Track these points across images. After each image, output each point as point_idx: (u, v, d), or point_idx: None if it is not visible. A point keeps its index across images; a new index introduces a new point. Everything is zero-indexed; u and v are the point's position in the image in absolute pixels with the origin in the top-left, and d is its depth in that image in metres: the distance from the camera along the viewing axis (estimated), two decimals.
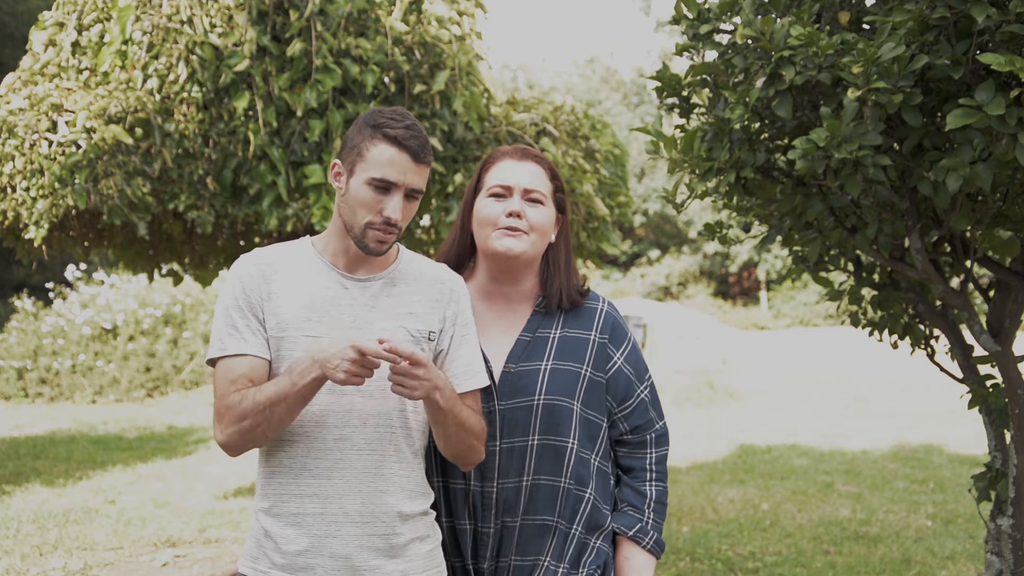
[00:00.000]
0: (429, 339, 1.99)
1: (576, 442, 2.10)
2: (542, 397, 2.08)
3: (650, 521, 2.17)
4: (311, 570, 1.91)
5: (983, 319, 2.69)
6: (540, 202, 2.13)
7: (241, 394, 1.87)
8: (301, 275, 1.96)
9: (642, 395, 2.20)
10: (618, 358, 2.18)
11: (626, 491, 2.19)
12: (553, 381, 2.09)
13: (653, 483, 2.19)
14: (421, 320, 1.99)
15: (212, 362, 1.95)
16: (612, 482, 2.20)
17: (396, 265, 2.02)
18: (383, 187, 1.89)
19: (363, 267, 1.99)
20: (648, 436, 2.20)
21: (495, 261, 2.14)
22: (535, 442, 2.07)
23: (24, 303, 14.42)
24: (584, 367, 2.14)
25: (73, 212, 4.14)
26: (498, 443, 2.07)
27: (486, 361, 2.11)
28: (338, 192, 1.95)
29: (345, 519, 1.92)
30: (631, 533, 2.14)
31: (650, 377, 2.25)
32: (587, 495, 2.12)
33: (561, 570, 2.08)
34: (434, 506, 2.11)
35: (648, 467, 2.20)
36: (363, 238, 1.91)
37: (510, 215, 2.10)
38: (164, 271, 5.98)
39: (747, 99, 2.23)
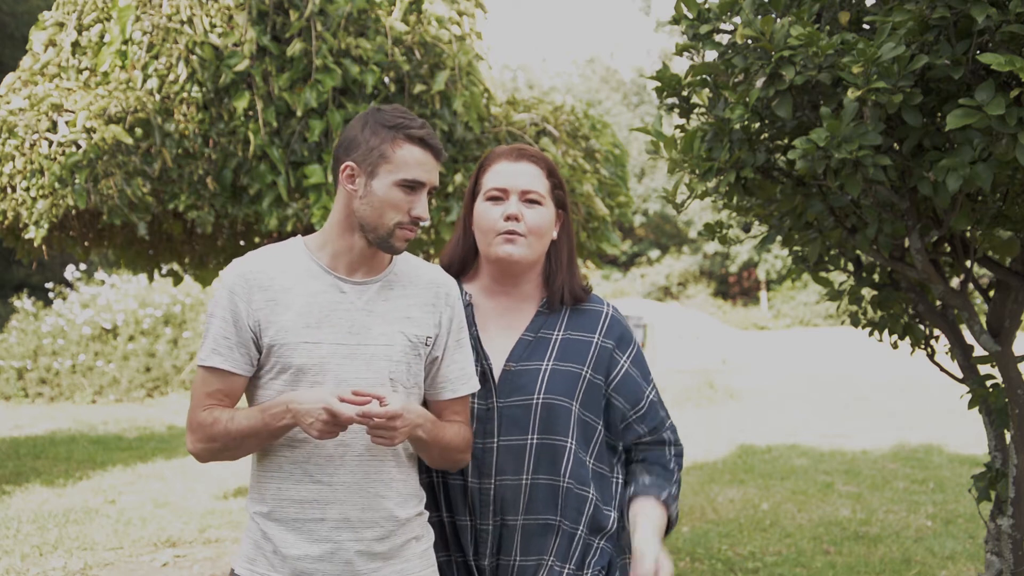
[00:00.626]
0: (426, 344, 1.99)
1: (574, 443, 2.11)
2: (541, 396, 2.08)
3: (674, 493, 2.15)
4: (311, 574, 1.91)
5: (983, 319, 2.69)
6: (538, 202, 2.13)
7: (213, 415, 1.89)
8: (296, 280, 1.94)
9: (651, 396, 2.21)
10: (625, 361, 2.19)
11: (654, 467, 2.16)
12: (553, 381, 2.10)
13: (676, 473, 2.20)
14: (418, 325, 1.99)
15: None
16: (612, 485, 2.20)
17: (392, 267, 2.02)
18: (412, 187, 1.90)
19: (362, 269, 1.98)
20: (664, 435, 2.21)
21: (496, 266, 2.15)
22: (534, 441, 2.08)
23: (24, 303, 14.42)
24: (585, 369, 2.14)
25: (73, 212, 4.14)
26: (496, 440, 2.08)
27: (487, 358, 2.11)
28: (352, 194, 1.93)
29: (346, 525, 1.92)
30: (663, 497, 2.12)
31: (653, 382, 2.26)
32: (590, 495, 2.12)
33: (567, 571, 2.09)
34: (434, 502, 2.12)
35: (670, 458, 2.20)
36: (389, 238, 1.92)
37: (508, 219, 2.10)
38: (164, 271, 5.98)
39: (747, 99, 2.23)
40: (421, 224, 1.94)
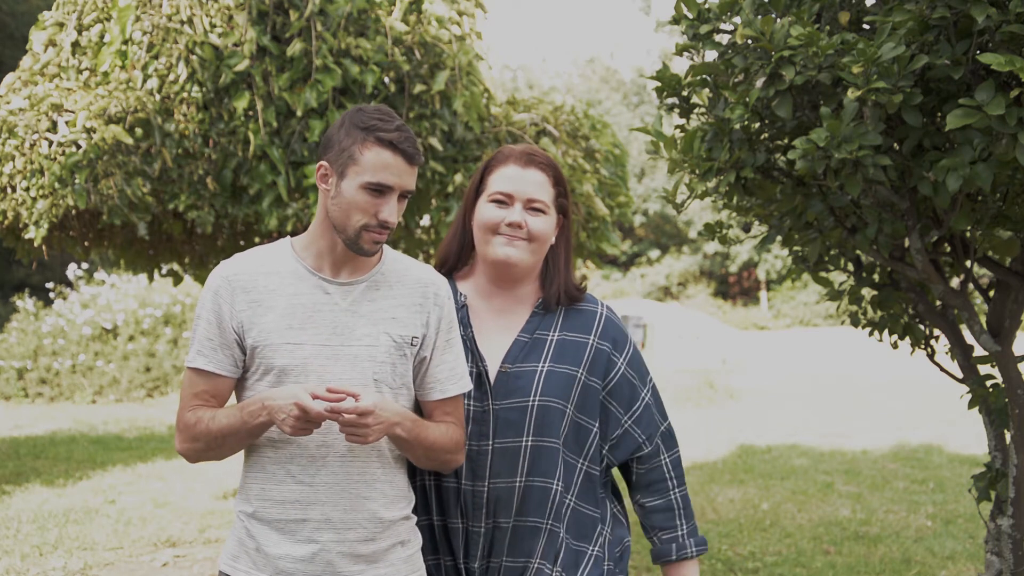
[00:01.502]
0: (412, 344, 1.98)
1: (563, 445, 2.11)
2: (537, 398, 2.08)
3: (685, 530, 2.21)
4: (292, 574, 1.91)
5: (983, 319, 2.69)
6: (542, 211, 2.12)
7: (197, 415, 1.91)
8: (281, 281, 1.94)
9: (646, 398, 2.21)
10: (621, 364, 2.19)
11: (654, 516, 2.22)
12: (548, 383, 2.09)
13: (676, 490, 2.23)
14: (404, 325, 1.97)
15: None
16: (599, 487, 2.20)
17: (380, 267, 2.00)
18: (379, 191, 1.88)
19: (347, 269, 1.97)
20: (657, 442, 2.21)
21: (494, 268, 2.14)
22: (528, 443, 2.07)
23: (24, 303, 14.43)
24: (580, 371, 2.13)
25: (73, 212, 4.14)
26: (491, 443, 2.07)
27: (482, 360, 2.10)
28: (325, 193, 1.93)
29: (327, 525, 1.92)
30: (675, 557, 2.20)
31: (651, 380, 2.26)
32: (569, 499, 2.12)
33: (555, 573, 2.08)
34: (426, 505, 2.11)
35: (667, 476, 2.23)
36: (357, 240, 1.90)
37: (510, 225, 2.09)
38: (164, 271, 5.98)
39: (747, 99, 2.23)
40: (389, 227, 1.91)
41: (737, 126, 2.32)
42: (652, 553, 2.24)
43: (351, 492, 1.93)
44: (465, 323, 2.13)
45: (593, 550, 2.14)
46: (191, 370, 1.94)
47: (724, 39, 2.38)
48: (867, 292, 2.98)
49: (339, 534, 1.92)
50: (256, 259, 1.98)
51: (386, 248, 2.05)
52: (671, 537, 2.20)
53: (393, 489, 1.99)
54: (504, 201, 2.11)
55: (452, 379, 2.02)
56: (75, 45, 4.45)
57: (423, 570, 2.05)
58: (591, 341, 2.17)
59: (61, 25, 4.52)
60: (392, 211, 1.89)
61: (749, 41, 2.23)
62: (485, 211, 2.12)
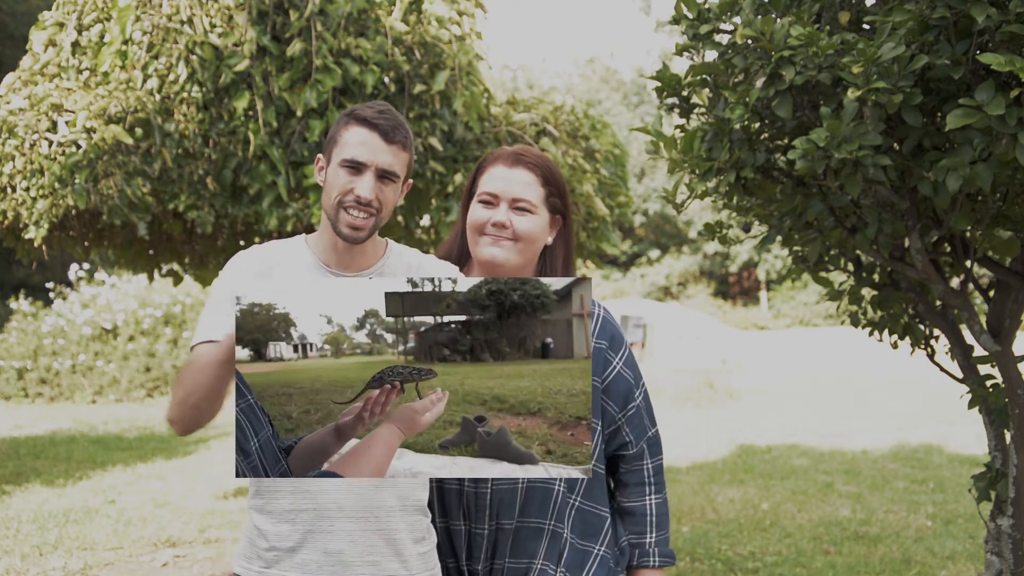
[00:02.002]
0: None
1: None
2: None
3: (652, 539, 2.20)
4: (304, 566, 1.91)
5: (983, 319, 2.69)
6: (528, 210, 2.13)
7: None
8: (293, 272, 1.98)
9: (639, 400, 2.22)
10: (617, 362, 2.19)
11: (625, 519, 2.22)
12: None
13: (652, 496, 2.22)
14: None
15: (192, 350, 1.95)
16: (606, 486, 2.20)
17: (385, 260, 2.04)
18: (354, 167, 1.90)
19: (353, 263, 2.00)
20: (643, 446, 2.22)
21: (483, 268, 2.16)
22: None
23: (22, 303, 14.43)
24: None
25: (73, 212, 4.14)
26: None
27: None
28: (322, 185, 1.98)
29: (339, 514, 1.91)
30: (636, 563, 2.20)
31: (644, 384, 2.26)
32: (573, 499, 2.12)
33: (559, 573, 2.09)
34: (429, 507, 2.11)
35: (646, 480, 2.22)
36: (337, 222, 1.92)
37: (495, 225, 2.11)
38: (164, 271, 5.98)
39: (747, 99, 2.23)
40: (364, 206, 1.89)
41: (737, 126, 2.32)
42: (614, 556, 2.23)
43: (363, 480, 1.92)
44: None
45: (600, 550, 2.14)
46: (197, 346, 1.90)
47: (724, 39, 2.37)
48: (867, 292, 2.98)
49: (351, 523, 1.92)
50: (272, 250, 2.03)
51: (391, 243, 2.09)
52: (637, 543, 2.20)
53: (405, 480, 1.98)
54: (490, 201, 2.14)
55: None
56: (75, 45, 4.45)
57: (438, 568, 2.03)
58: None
59: (61, 25, 4.52)
60: (367, 188, 1.89)
61: (749, 41, 2.23)
62: (473, 212, 2.16)
